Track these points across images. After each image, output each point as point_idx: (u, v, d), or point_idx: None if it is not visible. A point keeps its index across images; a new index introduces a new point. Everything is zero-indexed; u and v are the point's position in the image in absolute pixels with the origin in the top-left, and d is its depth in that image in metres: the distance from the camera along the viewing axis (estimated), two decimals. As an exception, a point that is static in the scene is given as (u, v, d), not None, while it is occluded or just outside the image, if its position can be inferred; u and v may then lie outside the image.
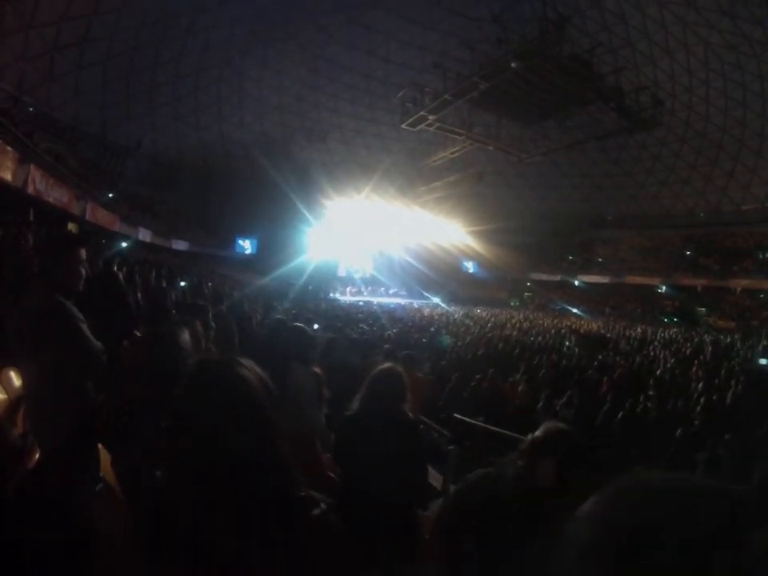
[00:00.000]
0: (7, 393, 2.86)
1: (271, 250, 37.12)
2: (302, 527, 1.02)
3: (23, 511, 1.52)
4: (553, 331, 20.79)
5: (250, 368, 1.12)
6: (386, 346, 9.69)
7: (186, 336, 2.10)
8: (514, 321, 24.75)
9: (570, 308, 40.17)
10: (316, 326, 9.31)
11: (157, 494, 1.19)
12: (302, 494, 1.08)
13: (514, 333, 18.77)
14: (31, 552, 1.43)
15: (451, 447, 5.46)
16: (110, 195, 27.16)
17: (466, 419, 6.77)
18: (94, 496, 2.30)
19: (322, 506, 1.08)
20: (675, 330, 26.64)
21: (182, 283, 13.16)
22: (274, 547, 0.97)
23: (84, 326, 2.69)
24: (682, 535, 0.51)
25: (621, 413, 7.46)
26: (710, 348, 17.33)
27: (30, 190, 16.29)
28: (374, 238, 44.64)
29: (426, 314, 25.90)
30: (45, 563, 1.50)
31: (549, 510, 1.38)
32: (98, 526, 2.14)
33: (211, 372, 1.11)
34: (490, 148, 29.41)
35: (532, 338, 17.24)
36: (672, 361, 13.82)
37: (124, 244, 21.54)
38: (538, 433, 1.78)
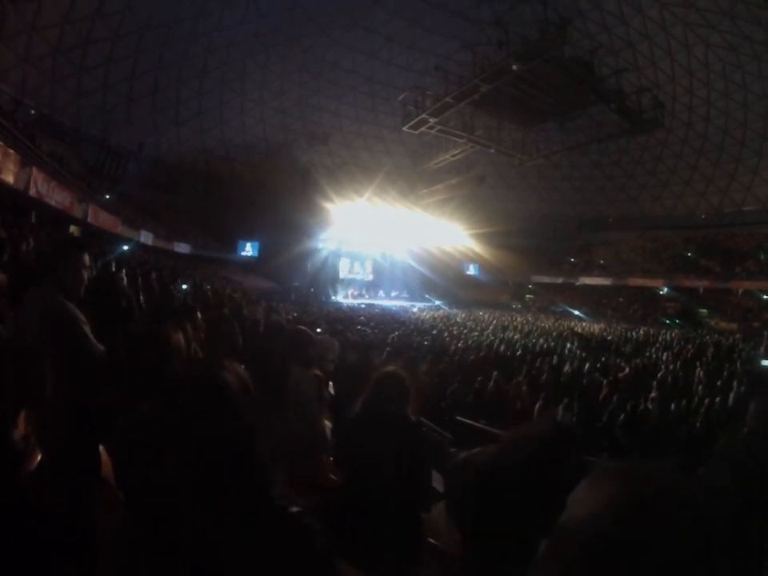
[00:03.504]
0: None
1: (273, 253, 37.13)
2: (277, 525, 1.03)
3: (24, 513, 1.51)
4: (555, 333, 20.75)
5: (232, 371, 1.13)
6: (388, 348, 9.70)
7: (178, 336, 2.09)
8: (515, 323, 24.73)
9: (571, 310, 40.13)
10: (318, 330, 9.28)
11: (156, 495, 1.20)
12: (278, 493, 1.09)
13: (516, 335, 18.74)
14: (32, 553, 1.43)
15: (453, 449, 5.45)
16: (109, 197, 27.22)
17: (468, 421, 6.77)
18: (94, 497, 2.29)
19: (298, 507, 1.09)
20: (677, 331, 26.58)
21: (184, 286, 13.18)
22: (253, 544, 0.98)
23: (87, 328, 2.70)
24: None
25: (623, 415, 7.45)
26: (711, 350, 17.29)
27: (32, 192, 16.32)
28: (376, 240, 44.61)
29: (427, 316, 25.87)
30: (45, 564, 1.50)
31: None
32: (98, 526, 2.14)
33: (192, 376, 1.12)
34: (492, 150, 29.43)
35: (534, 341, 17.22)
36: (677, 363, 13.79)
37: (126, 247, 21.52)
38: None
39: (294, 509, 1.08)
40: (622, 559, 0.52)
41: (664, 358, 15.06)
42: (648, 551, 0.52)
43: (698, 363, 13.73)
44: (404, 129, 27.07)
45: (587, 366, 12.16)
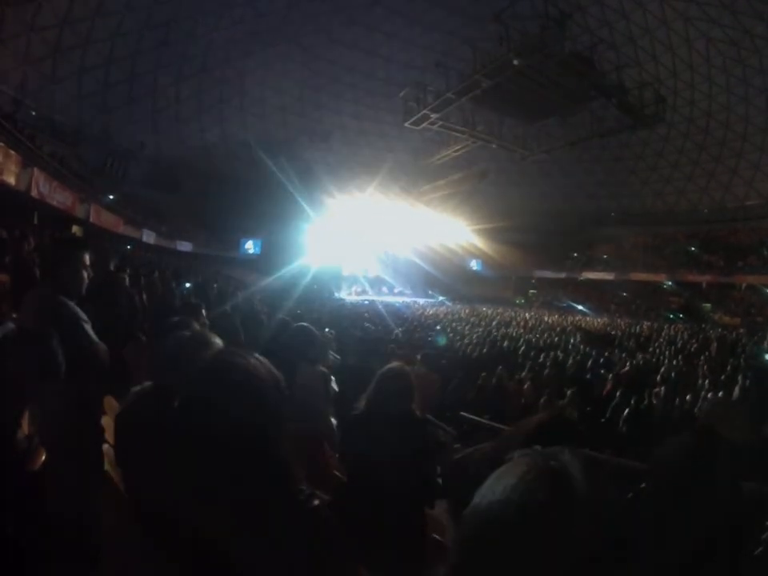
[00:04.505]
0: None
1: (276, 251, 37.13)
2: (298, 518, 1.02)
3: (27, 512, 1.51)
4: (558, 329, 20.74)
5: (262, 362, 1.12)
6: (392, 345, 9.70)
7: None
8: (519, 319, 24.71)
9: (575, 305, 40.09)
10: (333, 332, 9.22)
11: (160, 494, 1.18)
12: (301, 487, 1.08)
13: (519, 331, 18.73)
14: (34, 553, 1.43)
15: (457, 445, 5.44)
16: (112, 197, 27.25)
17: (473, 417, 6.76)
18: (96, 497, 2.30)
19: (319, 500, 1.08)
20: (681, 326, 26.54)
21: (187, 284, 13.17)
22: (271, 536, 0.97)
23: (88, 327, 2.70)
24: None
25: (626, 410, 7.43)
26: (715, 344, 17.27)
27: (34, 193, 16.33)
28: (379, 237, 44.64)
29: (430, 312, 25.86)
30: (47, 564, 1.50)
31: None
32: (99, 526, 2.14)
33: (221, 362, 1.11)
34: (493, 146, 29.34)
35: (537, 336, 17.21)
36: (681, 357, 13.78)
37: (128, 247, 21.57)
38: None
39: (316, 502, 1.08)
40: (510, 548, 0.53)
41: (667, 353, 15.05)
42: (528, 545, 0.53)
43: (702, 358, 13.73)
44: (406, 125, 26.99)
45: (590, 361, 12.16)
